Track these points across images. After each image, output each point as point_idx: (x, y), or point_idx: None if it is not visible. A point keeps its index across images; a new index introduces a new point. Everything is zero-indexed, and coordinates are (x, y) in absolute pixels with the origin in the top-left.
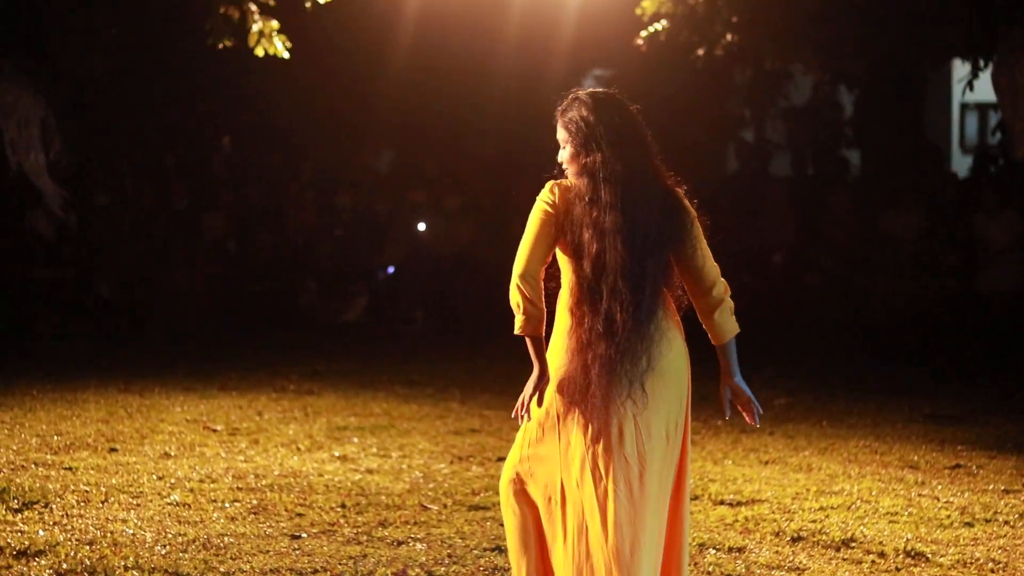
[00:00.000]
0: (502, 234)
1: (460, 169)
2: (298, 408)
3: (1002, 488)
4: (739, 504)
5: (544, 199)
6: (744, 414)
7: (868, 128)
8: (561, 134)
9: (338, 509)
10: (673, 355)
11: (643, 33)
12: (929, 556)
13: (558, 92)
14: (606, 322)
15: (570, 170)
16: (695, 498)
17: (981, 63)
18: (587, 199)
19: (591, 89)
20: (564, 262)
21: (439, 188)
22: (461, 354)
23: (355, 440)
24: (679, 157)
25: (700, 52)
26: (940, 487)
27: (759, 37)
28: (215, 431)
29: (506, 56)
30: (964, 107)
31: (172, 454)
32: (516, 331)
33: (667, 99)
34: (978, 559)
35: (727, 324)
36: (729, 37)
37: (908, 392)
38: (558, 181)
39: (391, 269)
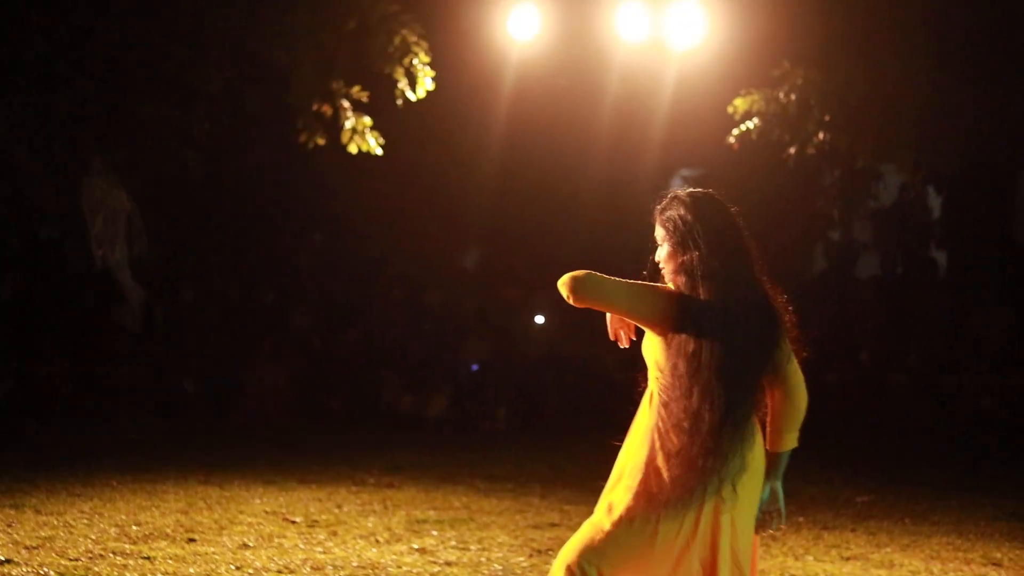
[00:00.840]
0: (588, 332)
1: (551, 268)
2: (377, 501)
3: None
4: None
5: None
6: (767, 518)
7: (955, 229)
8: (659, 232)
9: None
10: (757, 453)
11: (735, 131)
12: None
13: (647, 192)
14: (693, 420)
15: (667, 269)
16: None
17: None
18: (686, 296)
19: (690, 189)
20: (658, 354)
21: (530, 286)
22: (543, 450)
23: (434, 533)
24: (768, 255)
25: (792, 151)
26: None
27: (851, 136)
28: (294, 523)
29: (597, 154)
30: None
31: (251, 545)
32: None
33: (756, 198)
34: None
35: (793, 437)
36: (821, 136)
37: (993, 490)
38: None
39: (475, 366)
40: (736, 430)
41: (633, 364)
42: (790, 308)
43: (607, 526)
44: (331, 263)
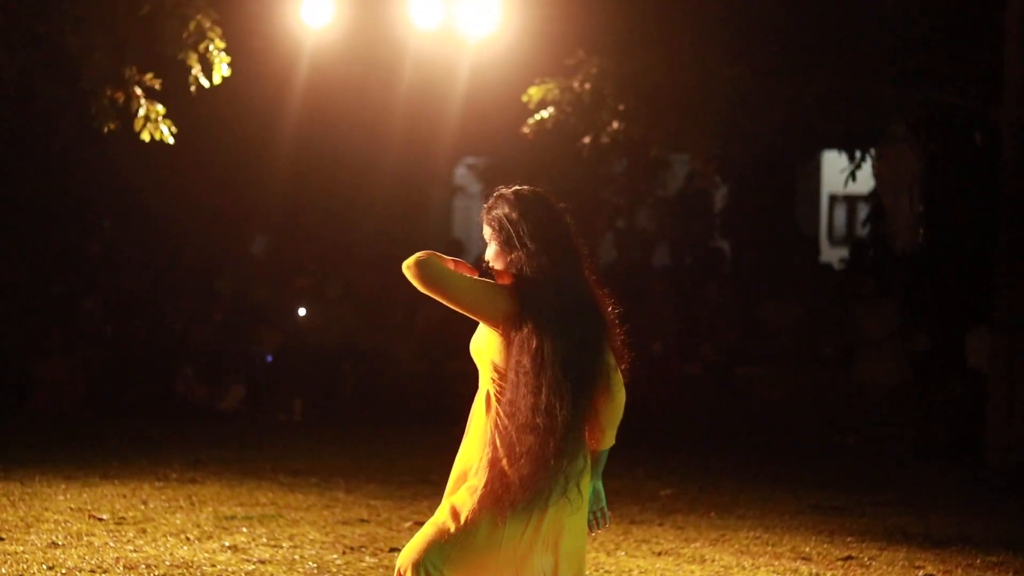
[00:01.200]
0: (383, 322)
1: (342, 256)
2: (183, 497)
3: None
4: None
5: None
6: (593, 518)
7: (740, 219)
8: (486, 231)
9: None
10: (586, 452)
11: (530, 121)
12: None
13: (435, 181)
14: (546, 417)
15: (496, 267)
16: None
17: (859, 155)
18: (521, 294)
19: (516, 187)
20: (496, 353)
21: (321, 275)
22: (343, 443)
23: (244, 530)
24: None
25: (586, 140)
26: None
27: (646, 126)
28: (101, 520)
29: (390, 143)
30: (833, 199)
31: (60, 543)
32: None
33: (548, 186)
34: None
35: (612, 435)
36: (615, 125)
37: (793, 482)
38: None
39: (270, 357)
40: (581, 429)
41: (427, 355)
42: (616, 310)
43: (452, 528)
44: (122, 251)
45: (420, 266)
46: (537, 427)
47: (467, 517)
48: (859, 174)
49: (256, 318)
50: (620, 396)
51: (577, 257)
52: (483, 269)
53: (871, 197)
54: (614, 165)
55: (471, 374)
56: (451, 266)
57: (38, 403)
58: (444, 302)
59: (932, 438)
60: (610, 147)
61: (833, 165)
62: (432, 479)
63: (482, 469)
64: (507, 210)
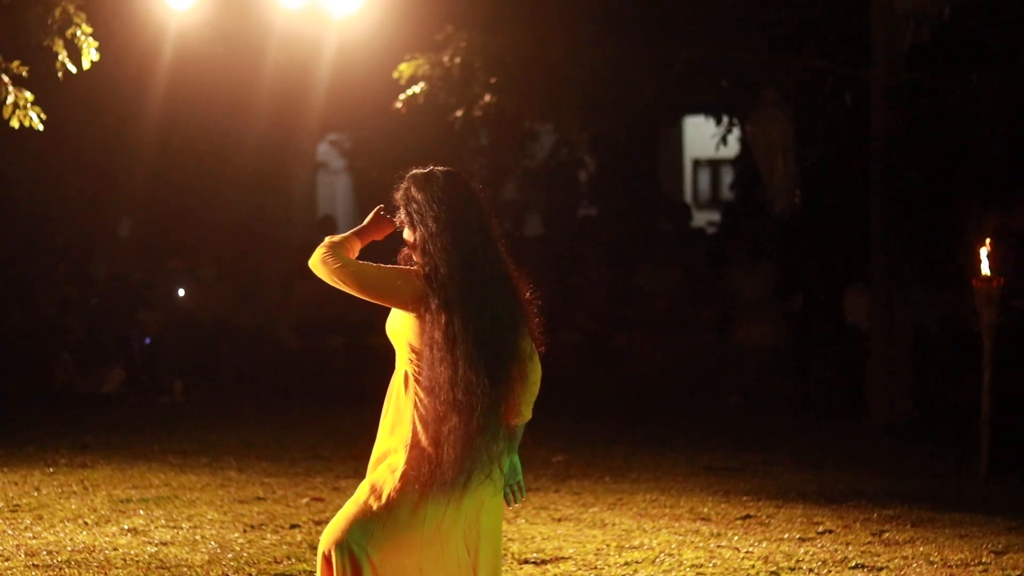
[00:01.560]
0: (259, 300)
1: (214, 237)
2: (75, 482)
3: (797, 536)
4: (544, 562)
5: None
6: (510, 492)
7: (607, 186)
8: (399, 213)
9: None
10: (504, 434)
11: (401, 96)
12: None
13: (298, 159)
14: (465, 392)
15: (409, 247)
16: None
17: (727, 120)
18: (426, 273)
19: (430, 168)
20: (411, 334)
21: (194, 256)
22: (228, 423)
23: (141, 512)
24: None
25: (458, 113)
26: (736, 538)
27: (518, 98)
28: None
29: (256, 123)
30: (696, 163)
31: None
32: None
33: (415, 161)
34: None
35: (529, 410)
36: (487, 98)
37: (682, 445)
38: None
39: (148, 340)
40: (499, 407)
41: (305, 332)
42: (530, 286)
43: (374, 507)
44: None
45: (325, 262)
46: (458, 403)
47: (389, 496)
48: (719, 138)
49: (132, 301)
50: (536, 375)
51: (487, 237)
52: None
53: (737, 161)
54: (481, 137)
55: (348, 351)
56: (352, 254)
57: None
58: (353, 293)
59: (814, 397)
60: (482, 120)
61: (696, 130)
62: (323, 455)
63: (403, 448)
64: (412, 190)
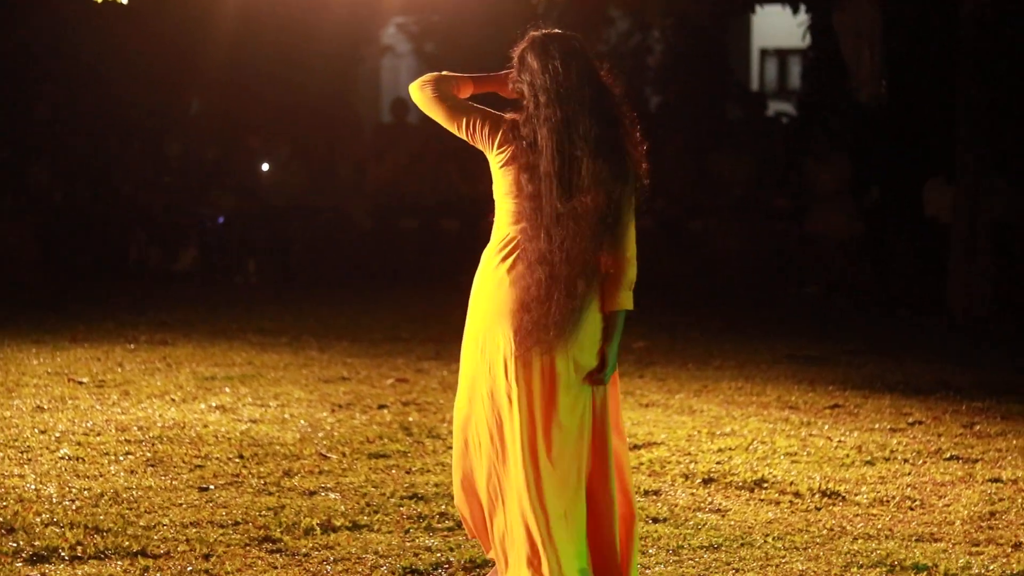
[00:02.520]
0: (333, 182)
1: (286, 118)
2: (158, 359)
3: (888, 427)
4: (637, 447)
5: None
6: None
7: (675, 74)
8: (514, 72)
9: (236, 460)
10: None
11: None
12: (844, 495)
13: (365, 41)
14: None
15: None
16: None
17: (803, 8)
18: (526, 142)
19: (550, 30)
20: (511, 181)
21: (269, 135)
22: (304, 303)
23: (227, 390)
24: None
25: None
26: (827, 427)
27: None
28: (81, 383)
29: (333, 3)
30: (764, 53)
31: (45, 407)
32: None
33: (489, 43)
34: (894, 497)
35: (629, 296)
36: None
37: (762, 333)
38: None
39: (221, 219)
40: (591, 278)
41: (378, 214)
42: (644, 152)
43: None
44: (68, 115)
45: (424, 89)
46: (561, 258)
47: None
48: (788, 27)
49: (206, 180)
50: (631, 253)
51: (599, 114)
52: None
53: (810, 50)
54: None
55: (421, 233)
56: (461, 93)
57: None
58: (443, 124)
59: (893, 288)
60: (565, 3)
61: (764, 20)
62: (402, 336)
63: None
64: (529, 57)
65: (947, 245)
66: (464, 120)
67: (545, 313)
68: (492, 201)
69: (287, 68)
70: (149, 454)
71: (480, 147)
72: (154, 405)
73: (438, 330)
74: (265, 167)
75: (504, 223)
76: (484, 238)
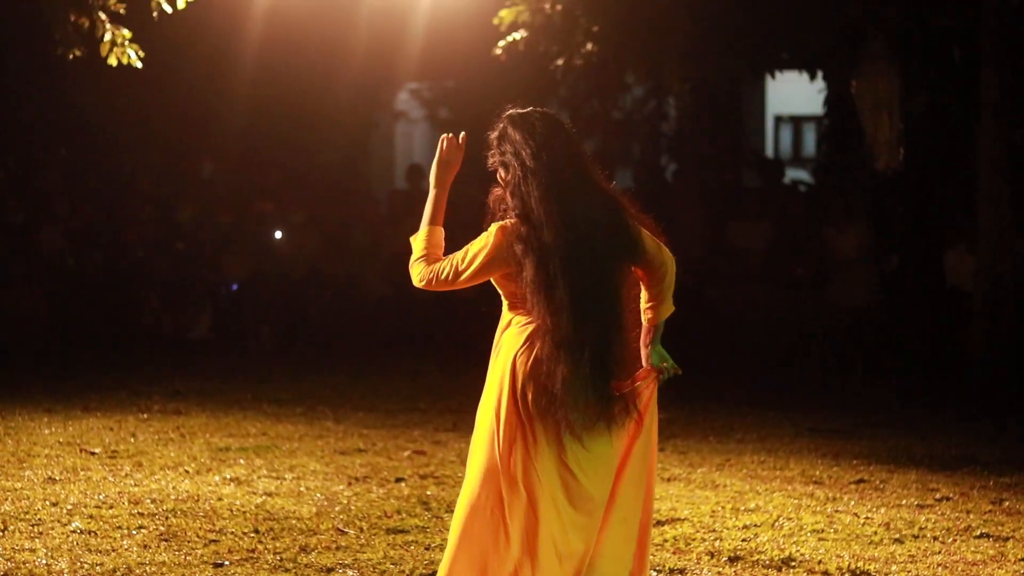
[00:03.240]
0: (346, 246)
1: (303, 182)
2: (171, 429)
3: (915, 503)
4: (661, 523)
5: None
6: (662, 371)
7: (690, 140)
8: (494, 153)
9: (252, 535)
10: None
11: (501, 43)
12: (874, 574)
13: (380, 107)
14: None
15: (501, 186)
16: None
17: (820, 75)
18: (518, 214)
19: (527, 108)
20: (511, 280)
21: (284, 200)
22: (319, 371)
23: (241, 462)
24: None
25: (560, 62)
26: (852, 503)
27: (618, 47)
28: (93, 454)
29: (350, 70)
30: (778, 119)
31: (57, 479)
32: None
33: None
34: None
35: (668, 306)
36: (589, 47)
37: (783, 405)
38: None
39: (235, 286)
40: (609, 346)
41: (393, 280)
42: (635, 202)
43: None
44: (81, 180)
45: (425, 285)
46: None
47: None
48: (803, 94)
49: (219, 246)
50: (665, 265)
51: (584, 173)
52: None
53: (826, 117)
54: (578, 87)
55: (439, 300)
56: (437, 236)
57: (2, 335)
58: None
59: (914, 357)
60: (582, 69)
61: (779, 86)
62: (420, 407)
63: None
64: (510, 130)
65: (968, 314)
66: (479, 277)
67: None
68: None
69: (300, 133)
70: (163, 528)
71: (494, 264)
72: (167, 477)
73: (457, 400)
74: (278, 234)
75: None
76: (499, 304)
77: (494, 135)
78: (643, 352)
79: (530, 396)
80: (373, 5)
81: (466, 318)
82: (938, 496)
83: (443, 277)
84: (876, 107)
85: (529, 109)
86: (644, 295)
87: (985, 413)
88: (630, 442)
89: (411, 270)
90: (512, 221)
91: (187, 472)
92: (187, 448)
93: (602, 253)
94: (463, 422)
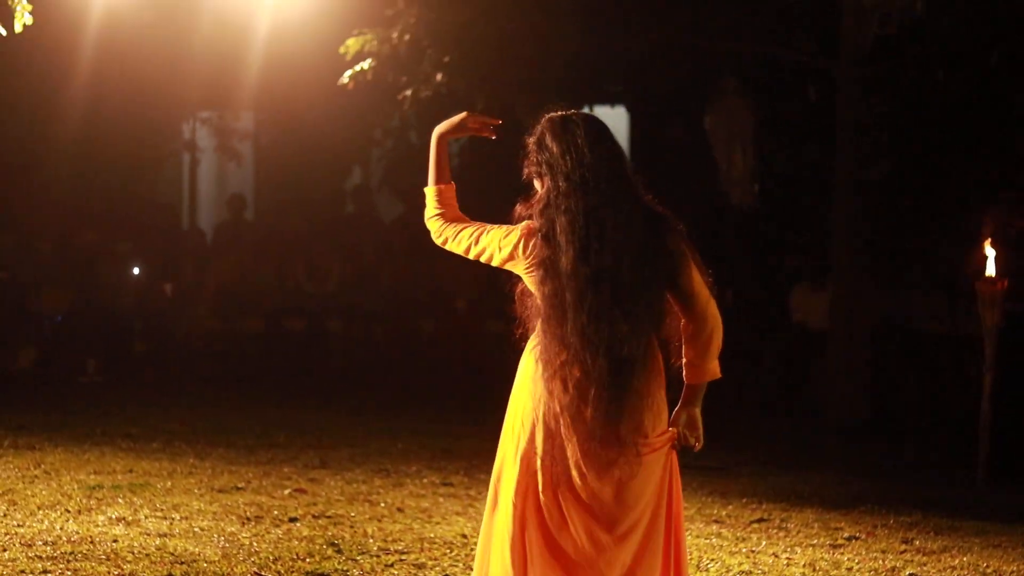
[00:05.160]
0: (175, 276)
1: (129, 210)
2: (31, 465)
3: (827, 543)
4: None
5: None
6: (684, 439)
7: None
8: (531, 160)
9: None
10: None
11: (347, 73)
12: None
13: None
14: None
15: (532, 198)
16: None
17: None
18: (543, 233)
19: (569, 111)
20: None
21: (109, 230)
22: (155, 404)
23: (120, 500)
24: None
25: (407, 93)
26: (764, 543)
27: (469, 78)
28: None
29: (188, 96)
30: None
31: None
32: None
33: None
34: None
35: (714, 367)
36: (439, 77)
37: None
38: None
39: (59, 317)
40: (624, 388)
41: (221, 313)
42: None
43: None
44: None
45: (442, 242)
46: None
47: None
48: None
49: (40, 277)
50: (708, 322)
51: (623, 201)
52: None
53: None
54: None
55: (266, 334)
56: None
57: None
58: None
59: (762, 394)
60: (431, 100)
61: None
62: (279, 443)
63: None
64: (548, 139)
65: (815, 350)
66: (483, 250)
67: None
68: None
69: (91, 164)
70: (69, 573)
71: (508, 265)
72: (50, 517)
73: (315, 435)
74: (136, 270)
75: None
76: (330, 339)
77: (532, 140)
78: (677, 411)
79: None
80: (209, 33)
81: (291, 353)
82: (846, 536)
83: (456, 249)
84: (730, 143)
85: (571, 112)
86: (685, 348)
87: (849, 452)
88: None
89: (428, 224)
90: (538, 233)
91: (68, 511)
92: (57, 486)
93: (630, 281)
94: (330, 459)
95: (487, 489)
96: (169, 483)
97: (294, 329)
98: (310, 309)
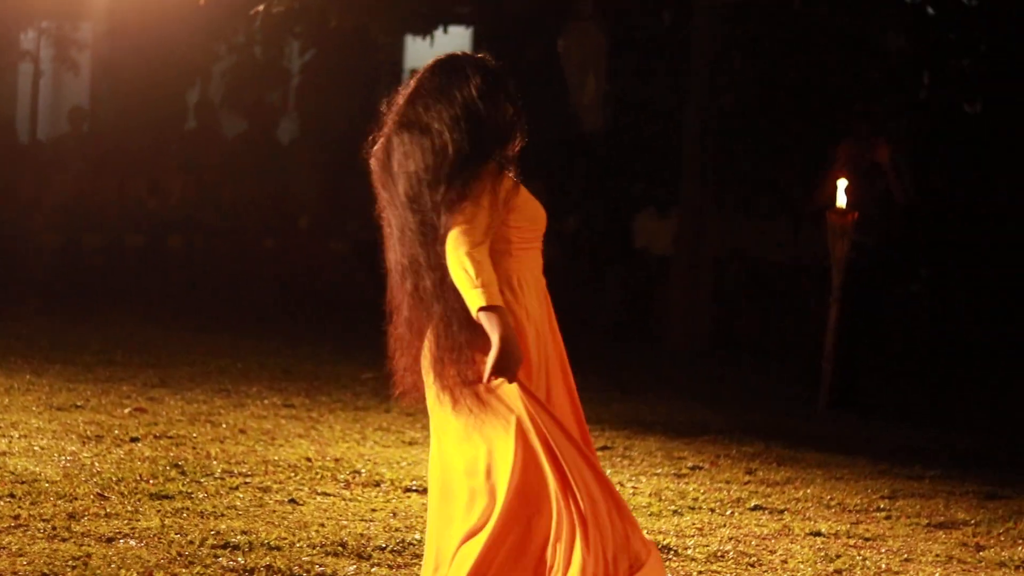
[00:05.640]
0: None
1: None
2: None
3: (671, 472)
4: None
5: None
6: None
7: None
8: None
9: (8, 499)
10: None
11: None
12: (676, 549)
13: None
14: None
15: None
16: (375, 485)
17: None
18: None
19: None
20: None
21: None
22: None
23: None
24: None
25: (260, 8)
26: (609, 471)
27: None
28: None
29: None
30: (413, 73)
31: None
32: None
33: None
34: (727, 551)
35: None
36: None
37: None
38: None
39: None
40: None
41: (60, 228)
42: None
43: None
44: None
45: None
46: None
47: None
48: (445, 49)
49: None
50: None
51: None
52: None
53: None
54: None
55: (105, 249)
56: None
57: None
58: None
59: (603, 318)
60: (284, 16)
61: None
62: (117, 359)
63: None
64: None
65: (658, 277)
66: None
67: None
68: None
69: None
70: None
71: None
72: None
73: (154, 354)
74: None
75: None
76: (171, 256)
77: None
78: None
79: None
80: None
81: (135, 269)
82: (690, 465)
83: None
84: (583, 67)
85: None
86: None
87: (692, 379)
88: None
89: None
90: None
91: None
92: None
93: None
94: (169, 378)
95: (328, 412)
96: (6, 400)
97: (134, 245)
98: (151, 225)
